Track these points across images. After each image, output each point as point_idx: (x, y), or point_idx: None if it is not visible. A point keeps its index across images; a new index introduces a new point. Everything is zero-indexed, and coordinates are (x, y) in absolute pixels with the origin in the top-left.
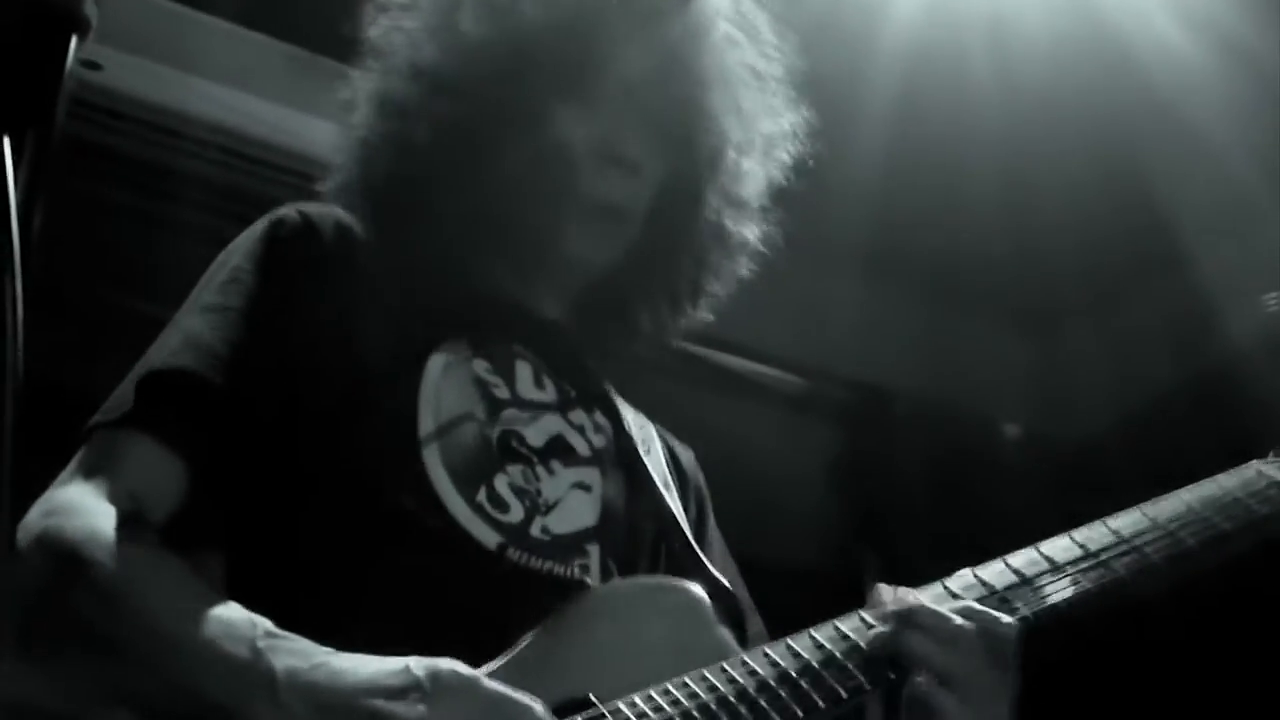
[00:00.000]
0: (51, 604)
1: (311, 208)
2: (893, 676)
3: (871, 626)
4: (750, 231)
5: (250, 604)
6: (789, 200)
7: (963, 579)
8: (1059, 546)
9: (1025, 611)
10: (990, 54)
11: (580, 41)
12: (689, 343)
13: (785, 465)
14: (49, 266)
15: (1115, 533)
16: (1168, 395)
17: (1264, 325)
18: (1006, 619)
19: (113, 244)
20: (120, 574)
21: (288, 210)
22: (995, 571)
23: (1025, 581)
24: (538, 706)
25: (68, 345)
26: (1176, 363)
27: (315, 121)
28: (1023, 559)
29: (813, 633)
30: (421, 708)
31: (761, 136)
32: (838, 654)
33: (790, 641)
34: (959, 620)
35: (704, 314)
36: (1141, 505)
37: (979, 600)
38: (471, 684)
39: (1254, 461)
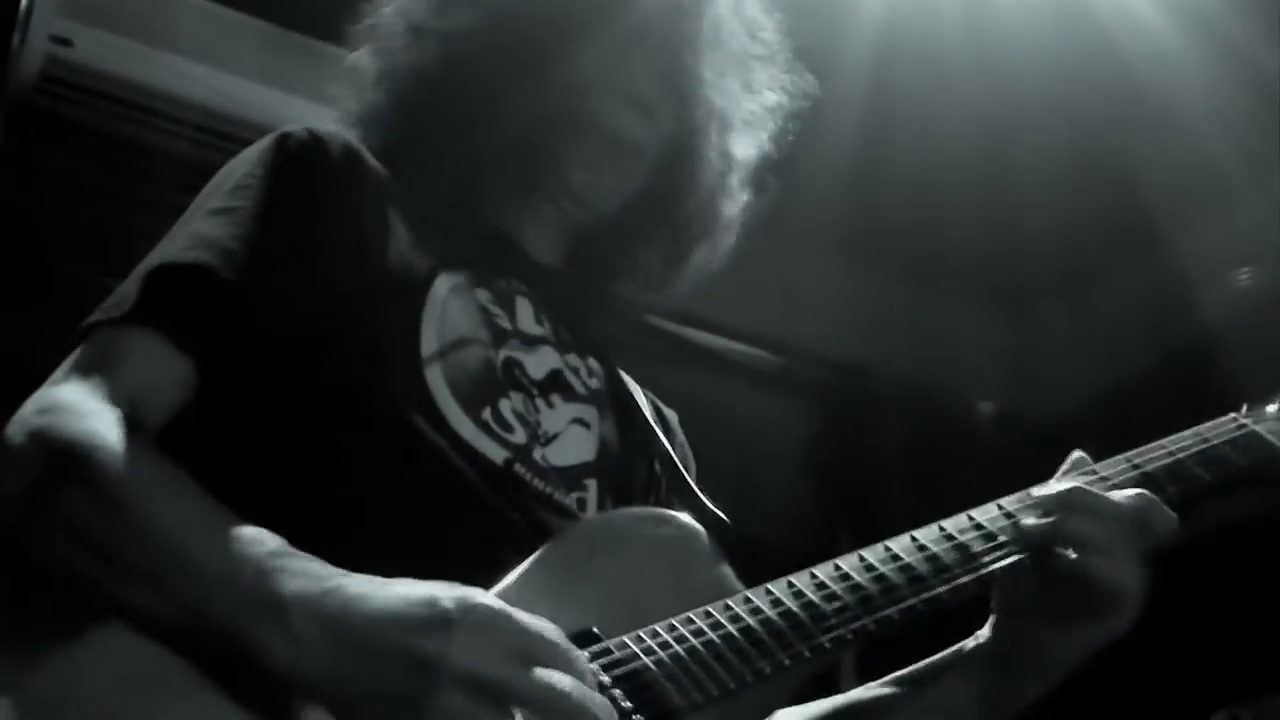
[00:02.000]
0: (45, 505)
1: (320, 128)
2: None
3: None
4: (740, 197)
5: (248, 518)
6: (766, 180)
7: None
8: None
9: None
10: (966, 34)
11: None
12: (667, 320)
13: (762, 443)
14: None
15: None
16: (1142, 373)
17: (1236, 301)
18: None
19: (85, 221)
20: (119, 478)
21: (295, 127)
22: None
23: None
24: (564, 642)
25: (38, 322)
26: (1151, 340)
27: (289, 98)
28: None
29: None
30: (452, 643)
31: (753, 109)
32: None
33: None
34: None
35: (693, 275)
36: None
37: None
38: (503, 617)
39: (1230, 414)
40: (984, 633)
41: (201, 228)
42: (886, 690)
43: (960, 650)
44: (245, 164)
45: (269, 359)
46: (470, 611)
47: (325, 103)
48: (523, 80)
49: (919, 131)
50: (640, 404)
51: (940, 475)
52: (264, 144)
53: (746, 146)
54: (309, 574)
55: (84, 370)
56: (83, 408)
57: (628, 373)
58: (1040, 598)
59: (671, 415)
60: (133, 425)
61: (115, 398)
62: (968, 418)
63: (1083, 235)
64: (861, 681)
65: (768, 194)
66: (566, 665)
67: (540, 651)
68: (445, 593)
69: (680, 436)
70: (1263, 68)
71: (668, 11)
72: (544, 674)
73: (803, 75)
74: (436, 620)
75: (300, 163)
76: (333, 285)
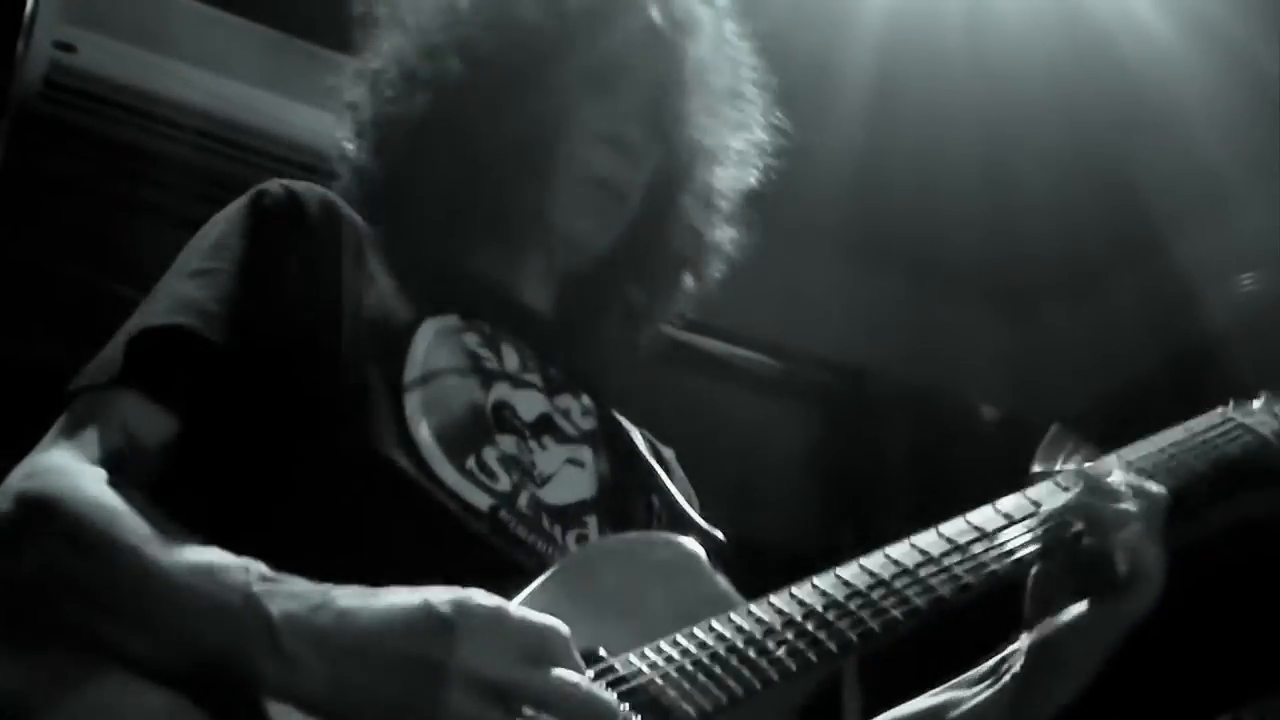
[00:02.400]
0: (32, 562)
1: (296, 183)
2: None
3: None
4: (725, 234)
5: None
6: (768, 184)
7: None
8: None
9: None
10: (968, 37)
11: (597, 28)
12: (669, 327)
13: (765, 448)
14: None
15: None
16: (1145, 377)
17: (1239, 305)
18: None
19: (88, 227)
20: (101, 526)
21: (271, 184)
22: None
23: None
24: (565, 630)
25: (42, 326)
26: (1153, 344)
27: (291, 104)
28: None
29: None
30: (455, 645)
31: (738, 146)
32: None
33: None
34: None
35: (680, 312)
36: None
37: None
38: (500, 614)
39: (1218, 409)
40: (1018, 642)
41: (181, 290)
42: (930, 703)
43: (993, 662)
44: (222, 224)
45: (254, 413)
46: (469, 612)
47: (327, 109)
48: (503, 126)
49: (921, 135)
50: (636, 441)
51: (943, 479)
52: (240, 203)
53: (732, 182)
54: (295, 595)
55: (70, 434)
56: (68, 468)
57: (627, 381)
58: (1065, 585)
59: (668, 453)
60: (117, 477)
61: (101, 459)
62: (970, 421)
63: (1085, 239)
64: (864, 691)
65: (771, 200)
66: (569, 660)
67: (544, 648)
68: (441, 596)
69: (679, 473)
70: (1265, 72)
71: (647, 51)
72: (550, 671)
73: (802, 79)
74: (435, 624)
75: (276, 220)
76: (315, 339)
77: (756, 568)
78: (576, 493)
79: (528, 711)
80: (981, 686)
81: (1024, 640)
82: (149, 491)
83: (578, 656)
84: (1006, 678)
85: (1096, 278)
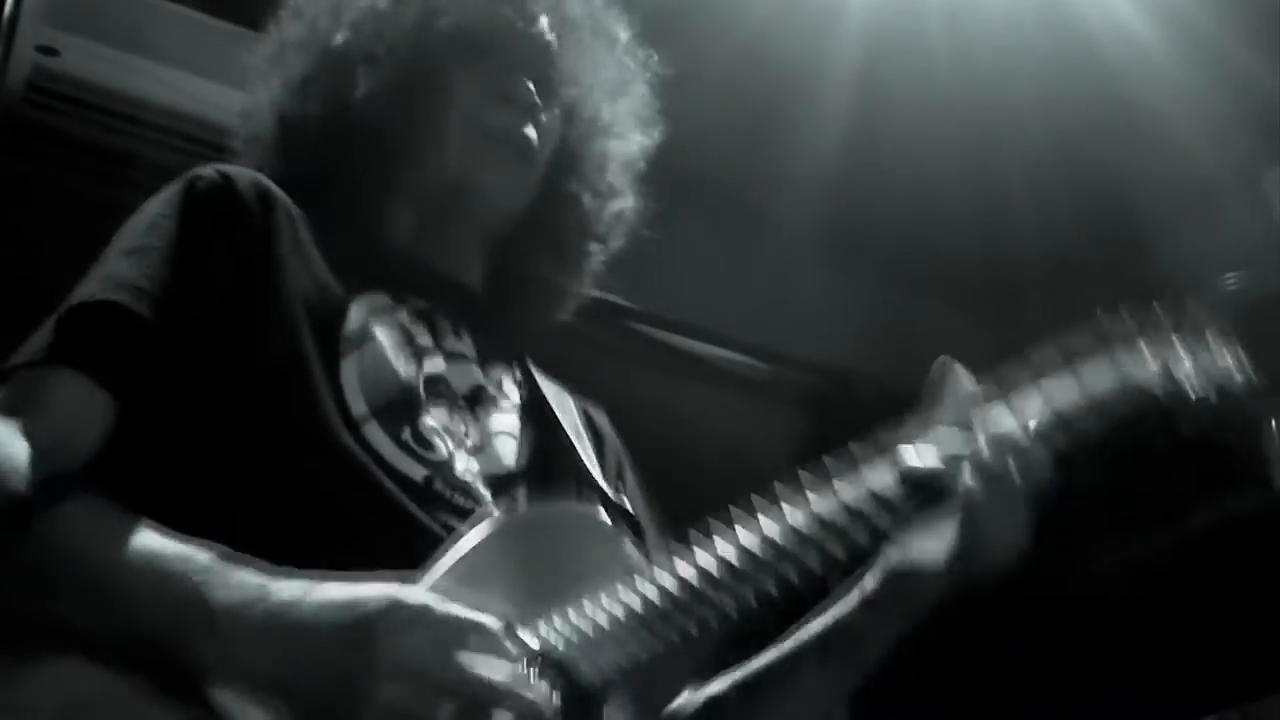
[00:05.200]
0: None
1: (230, 167)
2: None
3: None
4: (627, 197)
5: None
6: (750, 184)
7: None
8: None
9: None
10: (950, 37)
11: (479, 6)
12: (654, 328)
13: (748, 450)
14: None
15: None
16: None
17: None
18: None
19: (73, 231)
20: (44, 511)
21: (204, 168)
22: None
23: None
24: (493, 622)
25: (25, 333)
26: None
27: None
28: None
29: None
30: (380, 638)
31: (628, 111)
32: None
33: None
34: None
35: (592, 283)
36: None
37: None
38: (425, 612)
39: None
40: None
41: (114, 269)
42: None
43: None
44: (156, 206)
45: (188, 388)
46: (395, 607)
47: None
48: (404, 92)
49: (906, 138)
50: (564, 409)
51: None
52: (175, 187)
53: (626, 146)
54: (237, 584)
55: (5, 411)
56: (4, 451)
57: (611, 382)
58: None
59: (599, 415)
60: (55, 462)
61: (37, 437)
62: None
63: (1070, 241)
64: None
65: (753, 201)
66: (496, 649)
67: (468, 639)
68: (369, 592)
69: (609, 434)
70: (1248, 74)
71: (521, 23)
72: (474, 661)
73: (784, 80)
74: (361, 618)
75: (210, 202)
76: (249, 318)
77: None
78: (507, 463)
79: (454, 701)
80: (846, 608)
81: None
82: (89, 469)
83: (509, 645)
84: (860, 600)
85: (1081, 279)
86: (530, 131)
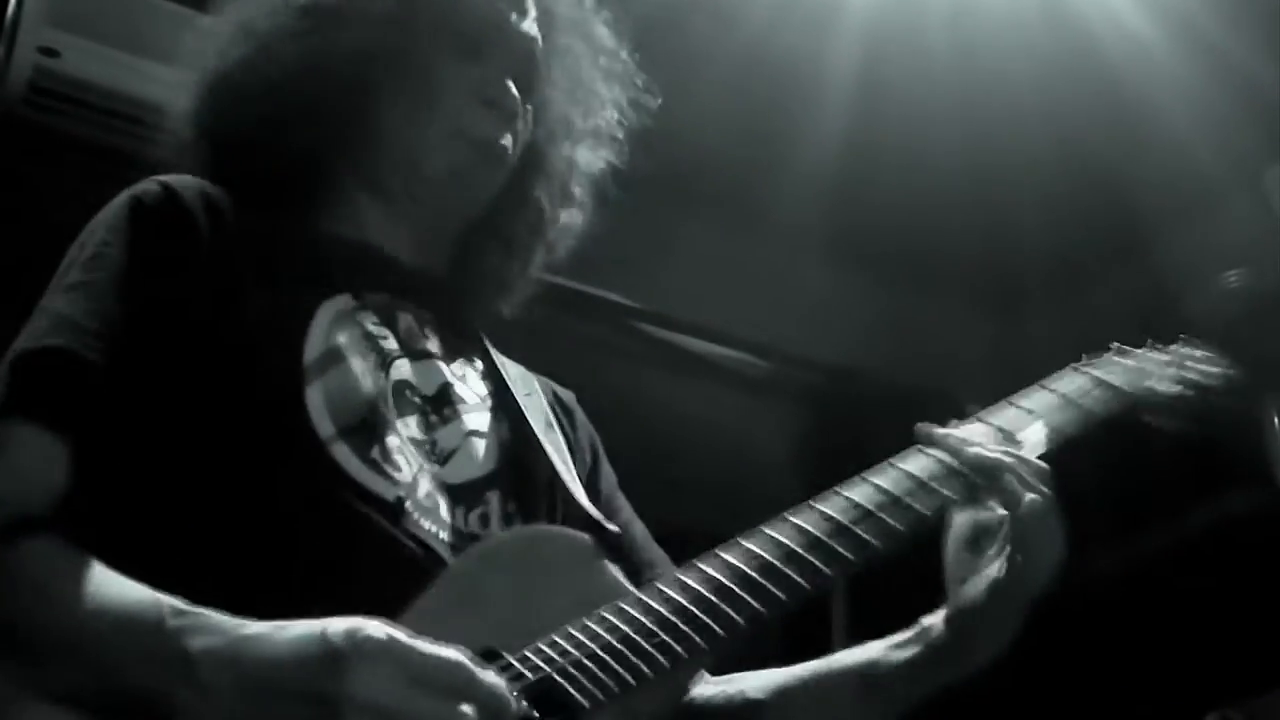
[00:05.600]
0: None
1: (171, 178)
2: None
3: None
4: (582, 207)
5: (148, 575)
6: (752, 183)
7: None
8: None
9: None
10: (952, 35)
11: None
12: (655, 326)
13: (751, 447)
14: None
15: None
16: None
17: (1224, 303)
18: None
19: (74, 232)
20: (10, 569)
21: (146, 183)
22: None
23: None
24: (463, 658)
25: None
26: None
27: None
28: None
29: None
30: (345, 676)
31: (603, 122)
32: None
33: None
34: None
35: (544, 272)
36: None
37: None
38: (393, 645)
39: (1068, 366)
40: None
41: (59, 306)
42: (851, 661)
43: (916, 628)
44: (99, 232)
45: (147, 422)
46: (363, 643)
47: None
48: (379, 85)
49: (907, 136)
50: (532, 395)
51: None
52: (117, 206)
53: (592, 157)
54: (211, 629)
55: None
56: None
57: (615, 380)
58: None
59: (568, 396)
60: (15, 513)
61: None
62: (956, 420)
63: (1071, 238)
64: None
65: (755, 199)
66: (468, 684)
67: (439, 676)
68: (337, 627)
69: (580, 417)
70: (1249, 72)
71: (507, 25)
72: (443, 698)
73: (785, 77)
74: (329, 655)
75: (155, 221)
76: (205, 340)
77: None
78: (478, 468)
79: None
80: (905, 650)
81: (943, 608)
82: (49, 518)
83: (485, 677)
84: (927, 643)
85: (1082, 276)
86: (507, 140)
